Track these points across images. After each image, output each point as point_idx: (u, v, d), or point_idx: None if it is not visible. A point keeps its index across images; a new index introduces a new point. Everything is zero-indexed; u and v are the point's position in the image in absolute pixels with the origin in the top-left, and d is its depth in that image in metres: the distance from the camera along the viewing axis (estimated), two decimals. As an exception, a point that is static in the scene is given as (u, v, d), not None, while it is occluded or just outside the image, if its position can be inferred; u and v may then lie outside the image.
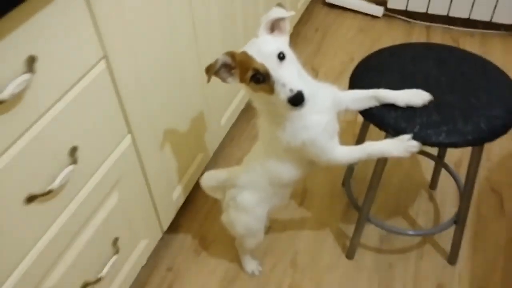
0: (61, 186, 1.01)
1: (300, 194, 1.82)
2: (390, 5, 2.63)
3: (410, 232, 1.65)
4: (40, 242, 1.01)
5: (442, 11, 2.53)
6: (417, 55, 1.37)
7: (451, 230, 1.52)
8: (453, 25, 2.60)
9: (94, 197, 1.14)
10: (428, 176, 1.83)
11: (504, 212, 1.72)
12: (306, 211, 1.77)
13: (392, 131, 1.18)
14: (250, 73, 1.04)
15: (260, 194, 1.33)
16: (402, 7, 2.60)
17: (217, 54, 1.11)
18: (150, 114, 1.30)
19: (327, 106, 1.15)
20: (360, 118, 1.39)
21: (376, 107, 1.22)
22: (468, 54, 1.37)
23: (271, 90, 1.03)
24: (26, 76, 0.84)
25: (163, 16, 1.26)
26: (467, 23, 2.57)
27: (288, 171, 1.26)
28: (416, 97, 1.20)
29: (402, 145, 1.15)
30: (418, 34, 2.58)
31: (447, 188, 1.80)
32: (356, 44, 2.55)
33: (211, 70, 1.09)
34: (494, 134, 1.16)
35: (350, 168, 1.75)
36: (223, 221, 1.43)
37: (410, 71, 1.30)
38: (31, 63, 0.86)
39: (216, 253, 1.66)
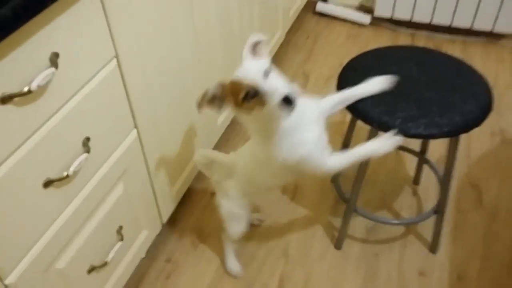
0: (75, 173, 1.07)
1: (292, 190, 1.87)
2: (376, 13, 2.66)
3: (394, 221, 1.72)
4: (55, 224, 1.06)
5: (426, 19, 2.56)
6: (400, 57, 1.44)
7: (432, 221, 1.59)
8: (436, 32, 2.65)
9: (103, 186, 1.19)
10: (412, 173, 1.90)
11: (483, 205, 1.79)
12: (297, 206, 1.82)
13: (376, 125, 1.27)
14: (242, 94, 1.07)
15: (244, 187, 1.39)
16: (388, 16, 2.64)
17: (216, 58, 1.12)
18: (154, 112, 1.35)
19: (315, 119, 1.18)
20: (348, 118, 1.45)
21: (362, 104, 1.29)
22: (446, 56, 1.44)
23: (263, 102, 1.07)
24: (51, 70, 0.90)
25: (168, 23, 1.31)
26: (449, 30, 2.62)
27: (273, 181, 1.38)
28: (381, 82, 1.30)
29: (387, 143, 1.21)
30: (403, 41, 2.63)
31: (429, 184, 1.87)
32: (345, 50, 2.60)
33: (201, 103, 1.14)
34: (468, 126, 1.24)
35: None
36: (215, 202, 1.50)
37: (393, 71, 1.36)
38: (55, 59, 0.91)
39: (212, 246, 1.70)
